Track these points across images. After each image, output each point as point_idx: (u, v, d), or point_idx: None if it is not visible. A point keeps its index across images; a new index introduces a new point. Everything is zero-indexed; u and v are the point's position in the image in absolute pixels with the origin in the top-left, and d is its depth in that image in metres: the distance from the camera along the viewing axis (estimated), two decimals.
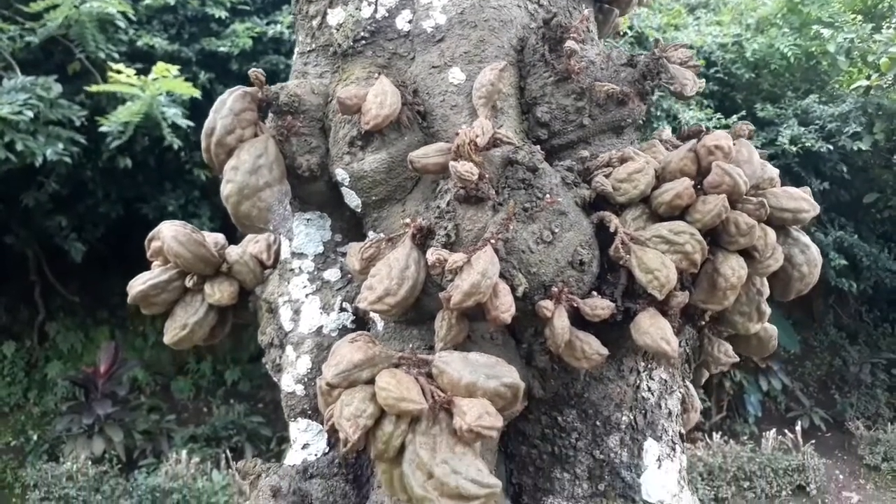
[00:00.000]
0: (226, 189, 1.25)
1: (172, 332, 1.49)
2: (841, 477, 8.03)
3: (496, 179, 1.17)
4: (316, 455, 1.36)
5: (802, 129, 7.52)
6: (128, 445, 7.36)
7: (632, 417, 1.30)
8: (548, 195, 1.16)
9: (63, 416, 7.55)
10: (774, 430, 7.88)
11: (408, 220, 1.19)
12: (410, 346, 1.24)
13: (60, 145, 6.46)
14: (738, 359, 1.37)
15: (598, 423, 1.28)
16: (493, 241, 1.12)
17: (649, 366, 1.33)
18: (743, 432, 8.21)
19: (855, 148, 7.53)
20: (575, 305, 1.16)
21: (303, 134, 1.31)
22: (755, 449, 7.67)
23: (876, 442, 8.00)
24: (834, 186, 8.00)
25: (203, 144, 1.28)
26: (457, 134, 1.13)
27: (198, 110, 6.26)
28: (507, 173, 1.17)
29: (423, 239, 1.19)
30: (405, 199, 1.28)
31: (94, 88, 6.03)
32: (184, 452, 7.06)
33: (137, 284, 1.48)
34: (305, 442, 1.38)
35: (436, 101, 1.28)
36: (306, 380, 1.36)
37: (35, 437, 7.63)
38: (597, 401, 1.28)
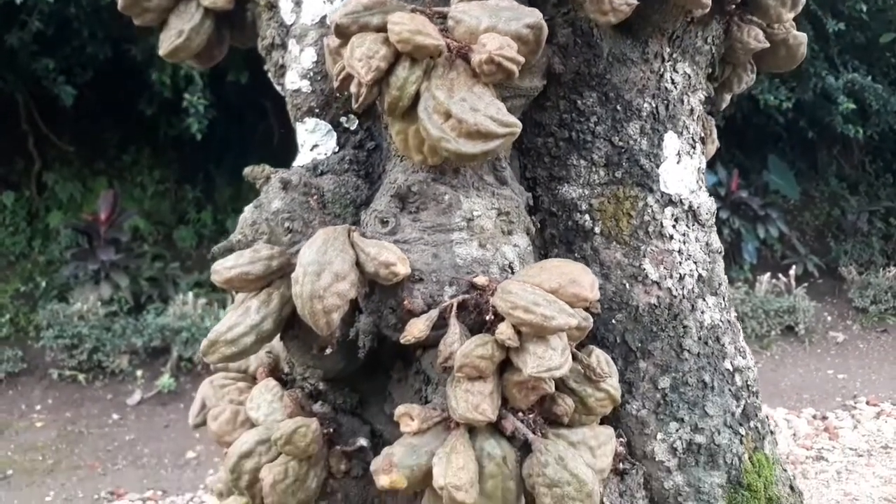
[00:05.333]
0: None
1: (168, 42, 1.41)
2: (829, 318, 8.29)
3: None
4: (325, 154, 1.33)
5: None
6: (134, 291, 7.51)
7: (653, 106, 1.25)
8: None
9: (68, 263, 7.65)
10: (769, 274, 8.03)
11: None
12: None
13: None
14: (768, 44, 1.30)
15: (618, 107, 1.23)
16: None
17: (674, 55, 1.27)
18: (738, 278, 8.38)
19: None
20: None
21: None
22: (749, 292, 7.86)
23: (867, 286, 8.18)
24: (850, 28, 7.68)
25: None
26: None
27: None
28: None
29: None
30: None
31: None
32: (190, 295, 7.22)
33: None
34: (314, 143, 1.33)
35: None
36: (311, 73, 1.29)
37: (43, 284, 7.76)
38: (618, 84, 1.22)
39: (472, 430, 1.07)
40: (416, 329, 1.05)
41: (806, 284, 8.04)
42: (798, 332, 7.73)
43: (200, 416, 1.41)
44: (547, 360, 1.00)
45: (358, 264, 1.08)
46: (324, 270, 1.03)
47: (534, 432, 1.06)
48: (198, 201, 8.30)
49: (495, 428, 1.08)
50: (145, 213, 8.18)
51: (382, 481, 1.02)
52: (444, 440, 1.04)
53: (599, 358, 1.13)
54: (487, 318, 1.07)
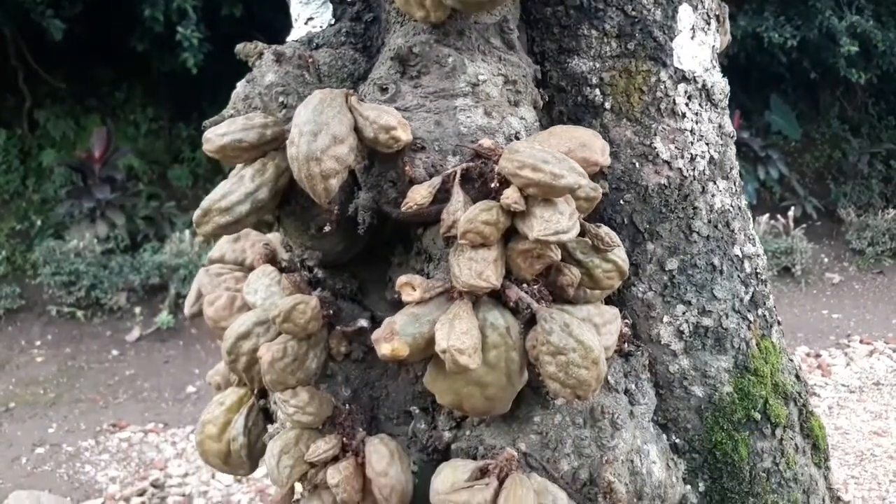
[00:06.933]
0: None
1: None
2: (826, 260, 8.30)
3: None
4: (321, 27, 1.26)
5: None
6: (130, 230, 7.46)
7: None
8: None
9: (63, 201, 7.57)
10: (767, 215, 8.00)
11: None
12: None
13: None
14: None
15: None
16: None
17: None
18: None
19: None
20: None
21: None
22: None
23: (865, 227, 8.17)
24: None
25: None
26: None
27: None
28: None
29: None
30: None
31: None
32: (187, 233, 7.18)
33: None
34: (309, 16, 1.27)
35: None
36: None
37: (39, 222, 7.70)
38: None
39: (475, 301, 1.04)
40: (419, 195, 1.01)
41: (804, 226, 8.02)
42: (795, 273, 7.75)
43: (196, 304, 1.39)
44: (554, 224, 0.96)
45: (356, 130, 1.03)
46: (321, 131, 0.98)
47: (538, 303, 1.03)
48: (192, 140, 8.18)
49: (499, 300, 1.05)
50: (139, 151, 8.06)
51: (384, 349, 0.99)
52: (446, 310, 1.01)
53: (608, 232, 1.09)
54: (492, 186, 1.02)
